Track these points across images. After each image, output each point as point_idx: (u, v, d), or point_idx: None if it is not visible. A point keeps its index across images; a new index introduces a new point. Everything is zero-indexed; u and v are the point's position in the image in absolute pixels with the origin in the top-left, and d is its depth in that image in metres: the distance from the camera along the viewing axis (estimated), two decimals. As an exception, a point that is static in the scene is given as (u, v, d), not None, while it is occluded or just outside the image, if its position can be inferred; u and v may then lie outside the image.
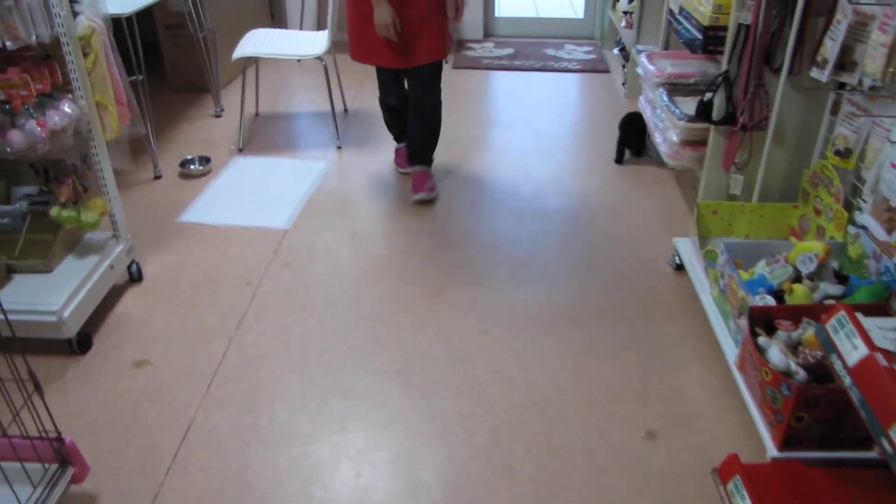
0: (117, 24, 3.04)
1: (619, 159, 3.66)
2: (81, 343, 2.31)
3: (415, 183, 3.23)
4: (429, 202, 3.21)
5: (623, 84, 4.43)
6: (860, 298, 2.09)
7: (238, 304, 2.54)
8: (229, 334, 2.39)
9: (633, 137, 3.69)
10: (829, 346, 1.54)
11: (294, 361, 2.27)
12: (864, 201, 2.02)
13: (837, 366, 1.48)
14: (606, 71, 4.88)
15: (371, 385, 2.18)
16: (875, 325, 1.59)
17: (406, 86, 3.22)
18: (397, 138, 3.50)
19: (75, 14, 2.28)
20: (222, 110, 4.25)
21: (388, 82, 3.22)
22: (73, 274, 2.37)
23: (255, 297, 2.57)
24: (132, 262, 2.65)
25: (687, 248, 2.65)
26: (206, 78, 4.23)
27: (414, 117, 3.21)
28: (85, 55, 2.29)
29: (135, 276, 2.67)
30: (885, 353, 1.38)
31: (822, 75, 2.08)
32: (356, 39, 3.00)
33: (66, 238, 2.46)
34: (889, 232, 1.78)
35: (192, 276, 2.69)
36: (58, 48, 2.18)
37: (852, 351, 1.45)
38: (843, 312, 1.54)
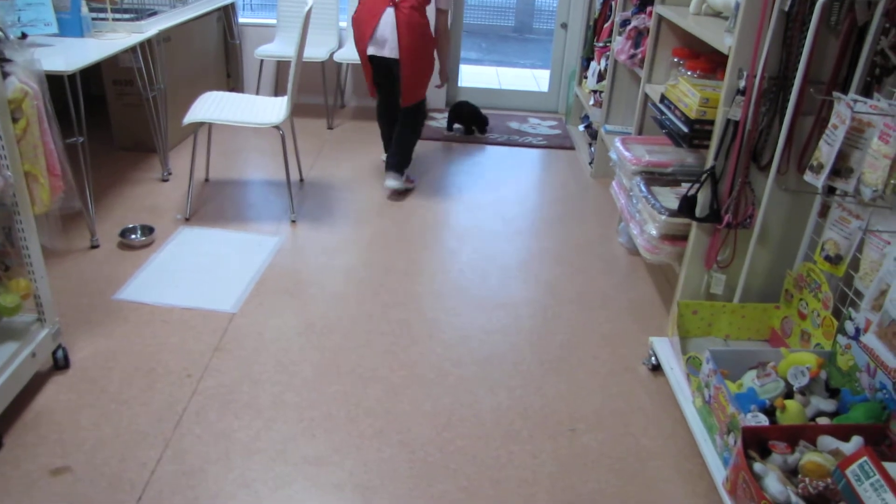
0: (58, 81, 2.80)
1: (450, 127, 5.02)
2: (-10, 446, 2.01)
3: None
4: (399, 192, 3.90)
5: (590, 163, 4.33)
6: (855, 417, 1.96)
7: (177, 400, 2.27)
8: (165, 437, 2.12)
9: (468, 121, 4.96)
10: (851, 498, 1.37)
11: (237, 474, 2.00)
12: (852, 321, 1.89)
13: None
14: (571, 148, 4.79)
15: (324, 505, 1.93)
16: (897, 472, 1.44)
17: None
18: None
19: (5, 75, 2.04)
20: (170, 174, 3.98)
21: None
22: (-14, 365, 2.08)
23: (196, 392, 2.31)
24: (58, 346, 2.37)
25: (665, 349, 2.49)
26: (153, 138, 3.94)
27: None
28: (15, 120, 2.04)
29: (60, 364, 2.38)
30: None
31: (816, 180, 1.97)
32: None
33: (-20, 322, 2.18)
34: (899, 357, 1.65)
35: (126, 365, 2.42)
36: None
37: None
38: (866, 459, 1.38)
